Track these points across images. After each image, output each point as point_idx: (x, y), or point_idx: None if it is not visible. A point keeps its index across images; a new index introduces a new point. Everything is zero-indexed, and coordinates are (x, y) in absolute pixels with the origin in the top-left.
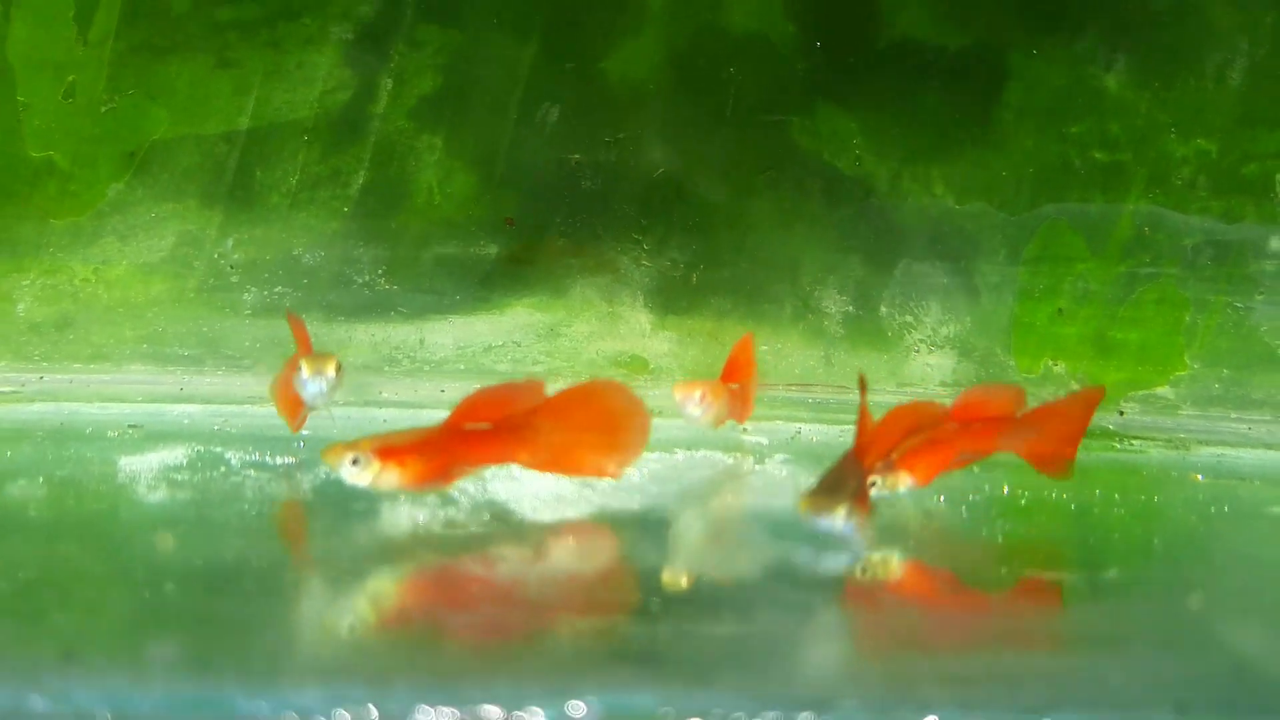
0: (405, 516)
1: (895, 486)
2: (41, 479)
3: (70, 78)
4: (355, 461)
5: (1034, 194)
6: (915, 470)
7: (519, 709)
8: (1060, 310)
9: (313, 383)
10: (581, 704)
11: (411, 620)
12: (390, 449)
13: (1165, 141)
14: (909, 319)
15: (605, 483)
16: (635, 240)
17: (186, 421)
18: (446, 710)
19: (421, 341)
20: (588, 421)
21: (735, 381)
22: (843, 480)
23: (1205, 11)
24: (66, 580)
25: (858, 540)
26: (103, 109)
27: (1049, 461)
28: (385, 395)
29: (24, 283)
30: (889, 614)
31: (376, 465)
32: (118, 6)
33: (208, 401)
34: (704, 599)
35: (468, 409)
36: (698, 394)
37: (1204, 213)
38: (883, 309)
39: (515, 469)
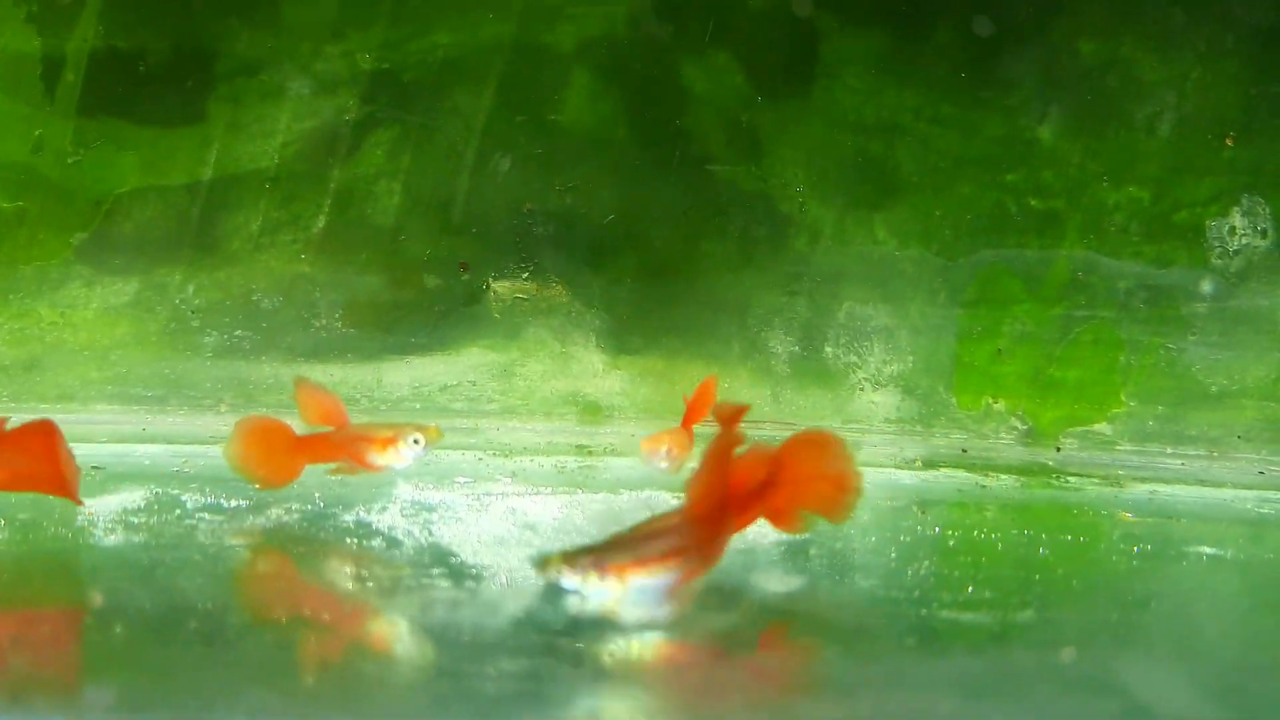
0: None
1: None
2: (2, 521)
3: (37, 132)
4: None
5: (972, 239)
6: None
7: None
8: (1000, 350)
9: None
10: None
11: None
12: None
13: (1098, 189)
14: (854, 359)
15: (550, 526)
16: (587, 283)
17: (148, 462)
18: None
19: (379, 381)
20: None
21: (695, 423)
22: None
23: (1134, 67)
24: (16, 624)
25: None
26: (69, 161)
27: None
28: None
29: None
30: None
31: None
32: (83, 68)
33: (170, 442)
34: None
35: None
36: (664, 449)
37: (1137, 257)
38: (828, 349)
39: None
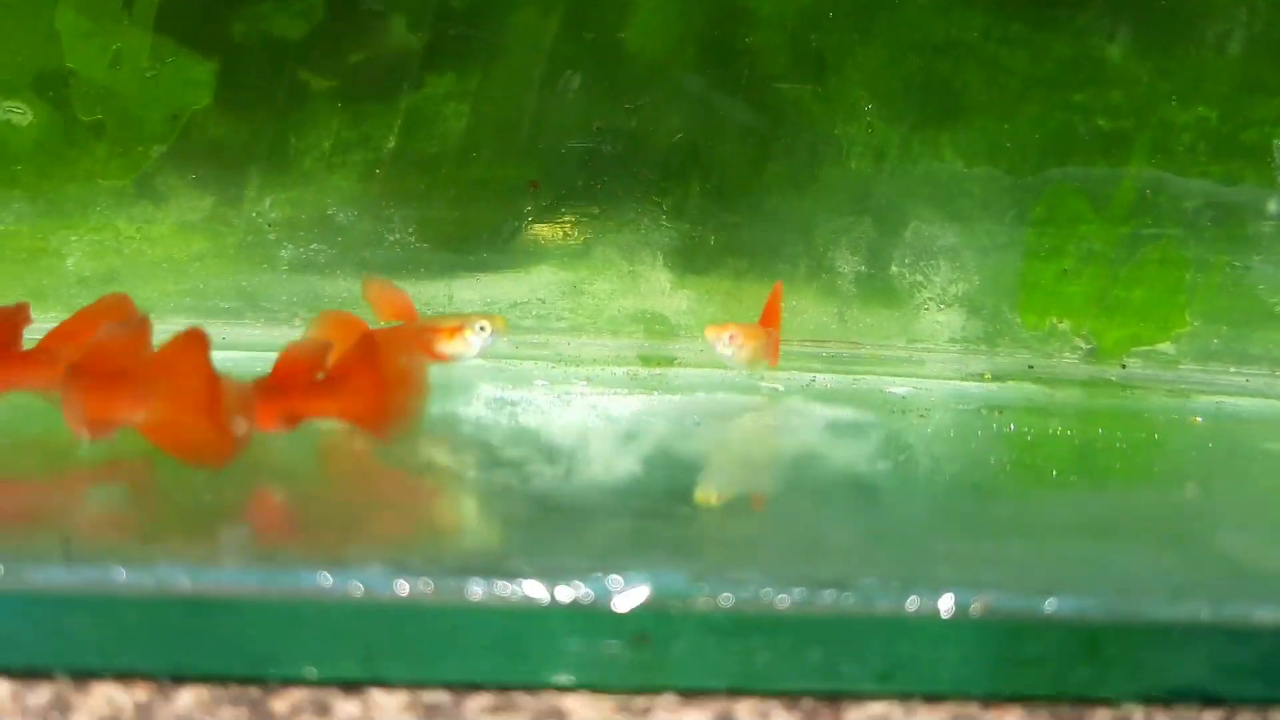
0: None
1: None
2: None
3: (116, 45)
4: None
5: (1040, 159)
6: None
7: (563, 583)
8: (1065, 270)
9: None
10: (619, 578)
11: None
12: None
13: (1166, 109)
14: (919, 278)
15: (632, 415)
16: (655, 203)
17: (230, 366)
18: (499, 583)
19: (451, 298)
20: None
21: (770, 326)
22: None
23: None
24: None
25: None
26: (146, 75)
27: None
28: None
29: (73, 239)
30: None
31: None
32: None
33: (249, 349)
34: (728, 506)
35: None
36: (727, 335)
37: (1204, 176)
38: (893, 268)
39: None
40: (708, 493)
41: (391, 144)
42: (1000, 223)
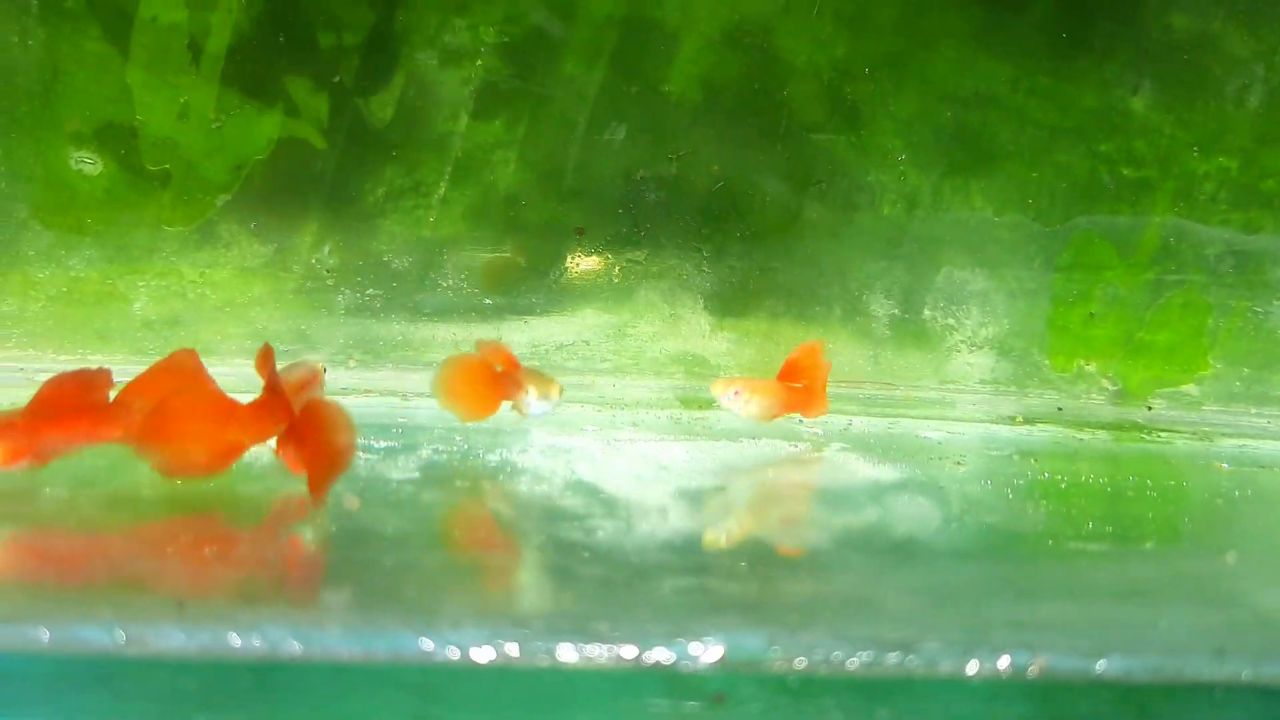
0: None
1: None
2: None
3: (183, 99)
4: None
5: (1067, 206)
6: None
7: (644, 645)
8: (1092, 314)
9: (538, 405)
10: (701, 644)
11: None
12: None
13: (1188, 159)
14: (951, 321)
15: (682, 463)
16: (695, 248)
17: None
18: (590, 647)
19: (499, 340)
20: (171, 390)
21: (794, 380)
22: None
23: (1224, 41)
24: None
25: None
26: (212, 127)
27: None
28: None
29: (139, 284)
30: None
31: None
32: (227, 36)
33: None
34: (782, 562)
35: (49, 391)
36: (733, 390)
37: (1225, 224)
38: (926, 312)
39: None
40: (763, 548)
41: (442, 191)
42: (1028, 268)
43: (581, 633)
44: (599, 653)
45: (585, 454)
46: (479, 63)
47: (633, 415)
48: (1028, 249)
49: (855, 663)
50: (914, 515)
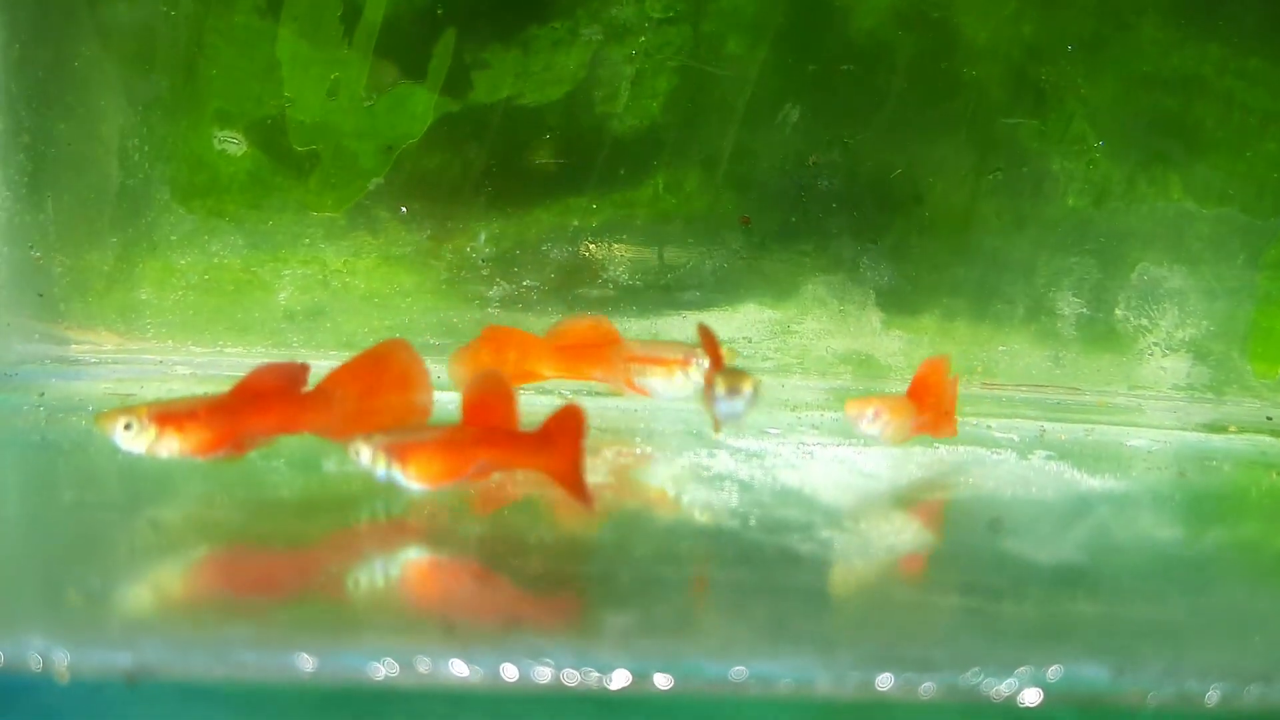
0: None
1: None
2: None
3: (334, 75)
4: (129, 426)
5: (1277, 199)
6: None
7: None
8: None
9: (728, 404)
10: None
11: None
12: (169, 415)
13: None
14: (1144, 322)
15: (884, 471)
16: (869, 239)
17: (453, 408)
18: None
19: (656, 335)
20: (375, 385)
21: (922, 398)
22: None
23: None
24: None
25: None
26: (364, 105)
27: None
28: None
29: (284, 273)
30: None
31: (153, 431)
32: (382, 9)
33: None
34: (1056, 580)
35: (253, 380)
36: (871, 410)
37: None
38: (1117, 311)
39: None
40: (1027, 565)
41: (596, 174)
42: (1231, 265)
43: (899, 661)
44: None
45: (780, 459)
46: (642, 39)
47: (805, 417)
48: (1230, 244)
49: (1215, 695)
50: (1163, 530)
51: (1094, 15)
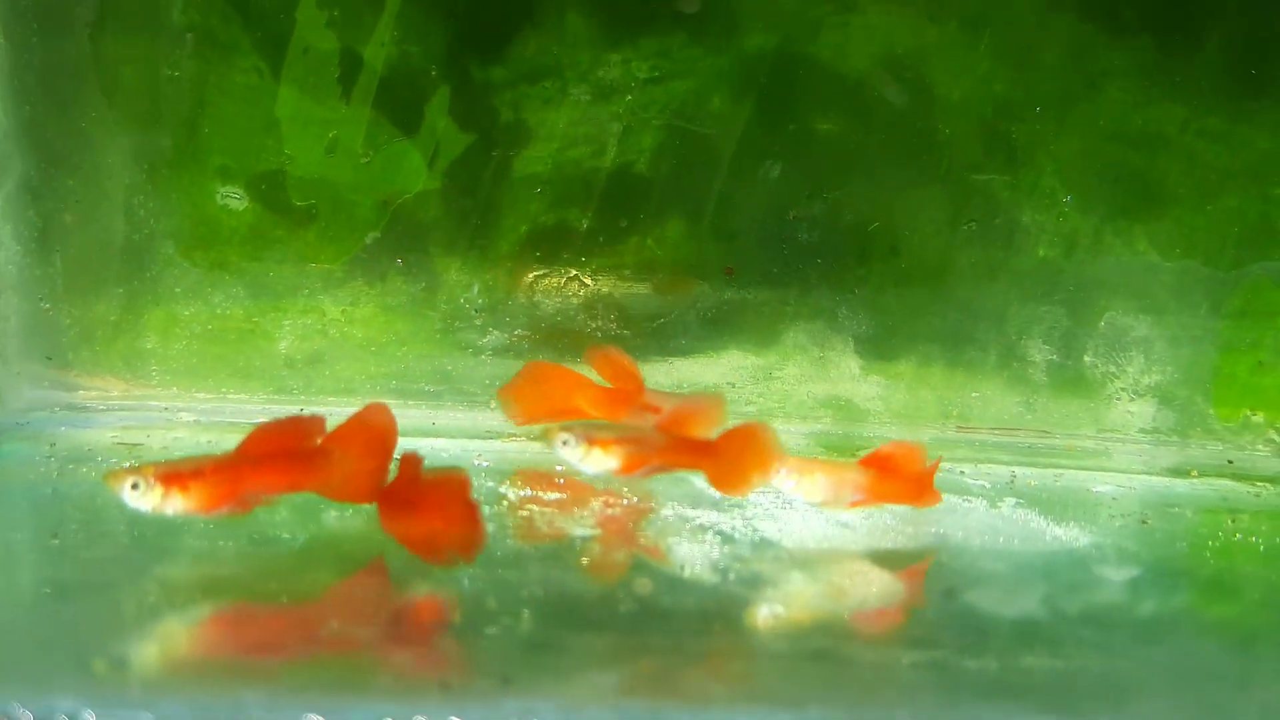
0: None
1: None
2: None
3: (332, 133)
4: (136, 486)
5: (1238, 251)
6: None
7: None
8: (1261, 362)
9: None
10: None
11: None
12: (174, 475)
13: None
14: (1111, 368)
15: (859, 522)
16: (848, 289)
17: (445, 455)
18: None
19: (645, 380)
20: (370, 447)
21: (881, 470)
22: None
23: None
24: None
25: None
26: (361, 161)
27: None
28: None
29: (284, 322)
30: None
31: (159, 490)
32: (378, 71)
33: (452, 436)
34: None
35: (256, 439)
36: (784, 469)
37: None
38: (1086, 358)
39: None
40: (1028, 622)
41: (585, 227)
42: (1194, 315)
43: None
44: None
45: (759, 509)
46: (628, 98)
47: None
48: (1193, 294)
49: None
50: (1122, 583)
51: (1063, 76)
